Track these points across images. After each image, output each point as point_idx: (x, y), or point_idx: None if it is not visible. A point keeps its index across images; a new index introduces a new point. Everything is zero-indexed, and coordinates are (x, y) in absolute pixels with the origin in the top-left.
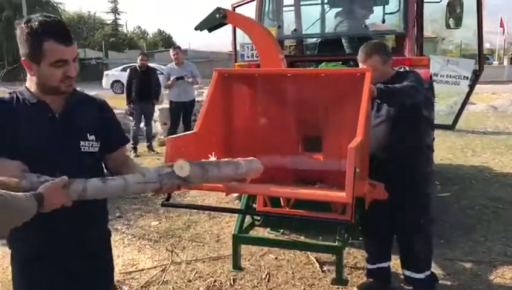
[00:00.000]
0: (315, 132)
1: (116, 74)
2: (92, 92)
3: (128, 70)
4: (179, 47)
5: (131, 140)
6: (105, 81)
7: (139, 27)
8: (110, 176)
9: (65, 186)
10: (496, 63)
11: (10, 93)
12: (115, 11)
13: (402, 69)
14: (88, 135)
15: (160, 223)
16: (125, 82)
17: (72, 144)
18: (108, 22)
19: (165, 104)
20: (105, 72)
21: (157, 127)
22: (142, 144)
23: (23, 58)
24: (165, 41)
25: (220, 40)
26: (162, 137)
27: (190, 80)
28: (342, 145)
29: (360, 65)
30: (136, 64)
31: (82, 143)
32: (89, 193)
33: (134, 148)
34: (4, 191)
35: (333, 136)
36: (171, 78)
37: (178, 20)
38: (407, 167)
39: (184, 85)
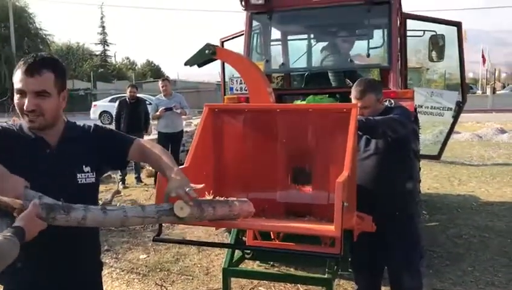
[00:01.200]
0: (304, 166)
1: (104, 104)
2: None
3: (117, 101)
4: (167, 78)
5: (119, 171)
6: (94, 112)
7: (128, 58)
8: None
9: (43, 212)
10: (479, 92)
11: (12, 124)
12: (104, 42)
13: (387, 102)
14: (84, 166)
15: (148, 256)
16: (114, 113)
17: (69, 177)
18: (97, 53)
19: (154, 135)
20: (93, 103)
21: None
22: (130, 175)
23: None
24: (153, 71)
25: (208, 71)
26: (150, 168)
27: (179, 110)
28: (331, 179)
29: (353, 101)
30: (126, 96)
31: (79, 176)
32: (88, 222)
33: (123, 180)
34: None
35: (322, 169)
36: (160, 109)
37: (166, 51)
38: (396, 201)
39: (172, 116)
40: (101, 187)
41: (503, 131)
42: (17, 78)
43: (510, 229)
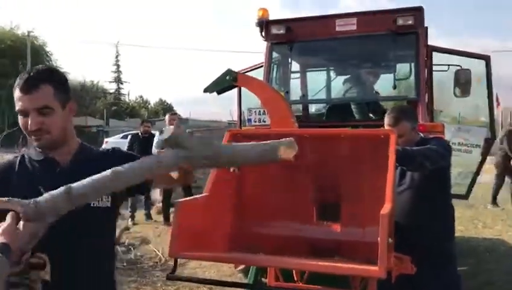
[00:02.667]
0: (333, 199)
1: (115, 141)
2: None
3: (129, 136)
4: (175, 113)
5: (129, 207)
6: None
7: (141, 96)
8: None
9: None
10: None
11: (16, 156)
12: (118, 80)
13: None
14: None
15: None
16: (125, 147)
17: None
18: (111, 91)
19: None
20: (105, 140)
21: (156, 194)
22: (140, 212)
23: None
24: (165, 110)
25: (221, 110)
26: (160, 205)
27: None
28: (363, 213)
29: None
30: (138, 131)
31: None
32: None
33: (132, 216)
34: None
35: (352, 203)
36: None
37: (179, 90)
38: (434, 240)
39: None
40: None
41: None
42: (16, 97)
43: None
